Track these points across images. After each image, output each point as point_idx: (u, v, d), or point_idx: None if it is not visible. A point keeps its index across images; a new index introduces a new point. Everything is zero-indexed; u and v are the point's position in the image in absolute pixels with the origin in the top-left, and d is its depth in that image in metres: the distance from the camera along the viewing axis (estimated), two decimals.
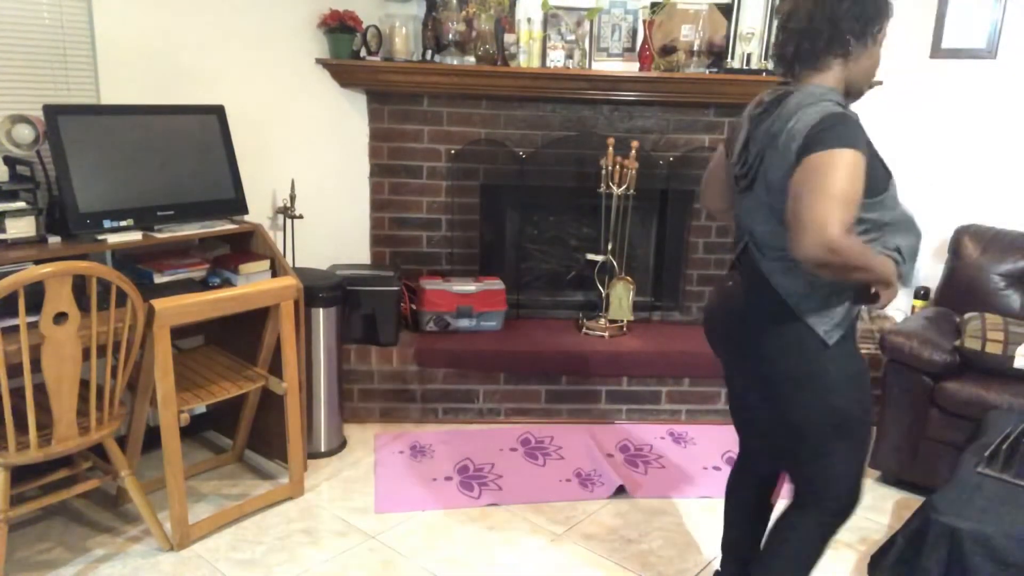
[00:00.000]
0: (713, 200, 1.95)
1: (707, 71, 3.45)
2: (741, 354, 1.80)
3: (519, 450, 3.06)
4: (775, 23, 1.73)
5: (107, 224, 2.35)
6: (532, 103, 3.51)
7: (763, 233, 1.67)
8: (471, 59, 3.42)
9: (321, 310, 2.86)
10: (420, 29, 3.39)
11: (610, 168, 3.40)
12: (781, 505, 1.93)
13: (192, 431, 3.11)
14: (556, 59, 3.35)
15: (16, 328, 2.03)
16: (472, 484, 2.78)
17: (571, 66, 3.39)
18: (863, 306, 1.72)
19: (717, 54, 3.46)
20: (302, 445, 2.69)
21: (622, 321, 3.57)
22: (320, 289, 2.83)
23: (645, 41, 3.37)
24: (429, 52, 3.37)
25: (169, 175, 2.54)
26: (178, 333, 2.73)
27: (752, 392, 1.83)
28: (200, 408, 3.03)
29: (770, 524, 1.94)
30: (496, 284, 3.48)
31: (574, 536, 2.50)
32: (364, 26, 3.28)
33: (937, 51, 3.35)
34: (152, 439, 2.60)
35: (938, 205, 3.46)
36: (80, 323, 2.00)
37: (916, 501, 2.78)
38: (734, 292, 1.79)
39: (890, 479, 2.93)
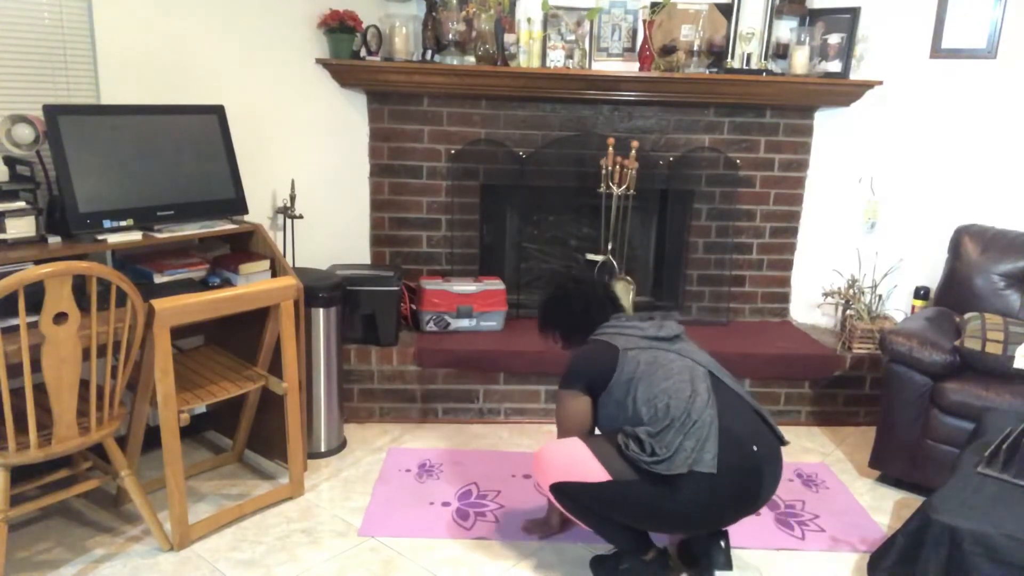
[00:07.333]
0: None
1: (707, 71, 3.45)
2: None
3: (532, 478, 2.88)
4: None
5: (107, 224, 2.36)
6: (532, 103, 3.51)
7: None
8: (471, 59, 3.42)
9: (321, 310, 2.86)
10: (420, 29, 3.40)
11: (610, 168, 3.40)
12: None
13: (192, 431, 3.11)
14: (556, 59, 3.35)
15: (16, 328, 2.03)
16: (468, 512, 2.63)
17: (571, 66, 3.39)
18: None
19: (717, 54, 3.46)
20: (302, 445, 2.69)
21: None
22: (320, 289, 2.83)
23: (645, 41, 3.37)
24: (429, 52, 3.38)
25: (169, 175, 2.54)
26: (178, 333, 2.73)
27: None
28: (200, 408, 3.04)
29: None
30: (496, 284, 3.48)
31: (574, 535, 2.50)
32: (364, 26, 3.28)
33: (937, 51, 3.35)
34: (152, 439, 2.60)
35: (938, 205, 3.47)
36: (80, 323, 2.00)
37: (916, 501, 2.78)
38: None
39: (890, 479, 2.93)
